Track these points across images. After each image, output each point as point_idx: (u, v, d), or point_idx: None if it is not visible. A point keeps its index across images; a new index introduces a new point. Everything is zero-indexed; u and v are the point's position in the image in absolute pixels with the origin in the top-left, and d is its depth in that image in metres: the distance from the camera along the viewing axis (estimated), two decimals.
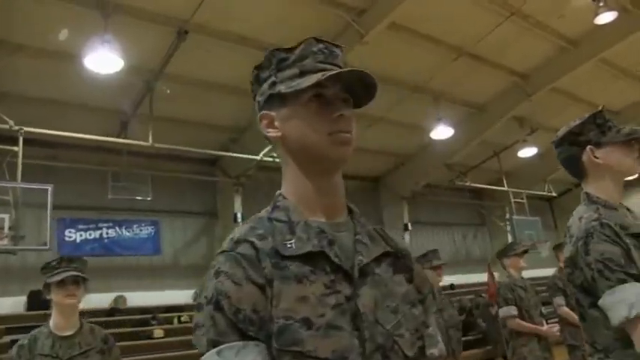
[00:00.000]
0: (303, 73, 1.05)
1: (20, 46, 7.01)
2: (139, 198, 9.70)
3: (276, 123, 1.07)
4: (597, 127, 1.89)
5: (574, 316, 4.87)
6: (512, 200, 12.88)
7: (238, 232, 1.02)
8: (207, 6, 6.99)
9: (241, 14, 7.44)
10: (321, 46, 1.08)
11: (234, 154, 9.54)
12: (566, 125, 2.01)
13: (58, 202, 8.98)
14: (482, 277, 12.83)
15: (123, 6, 6.80)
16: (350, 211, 1.13)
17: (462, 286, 12.82)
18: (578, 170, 1.94)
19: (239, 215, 10.08)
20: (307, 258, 0.97)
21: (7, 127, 7.08)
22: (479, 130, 11.16)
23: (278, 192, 1.11)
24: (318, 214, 1.06)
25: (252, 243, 0.98)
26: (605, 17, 8.37)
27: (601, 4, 8.22)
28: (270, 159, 8.98)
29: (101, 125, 8.40)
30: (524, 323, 4.75)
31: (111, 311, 8.58)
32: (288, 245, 0.98)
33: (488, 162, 12.84)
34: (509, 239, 12.57)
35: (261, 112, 1.10)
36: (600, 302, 1.61)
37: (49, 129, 7.50)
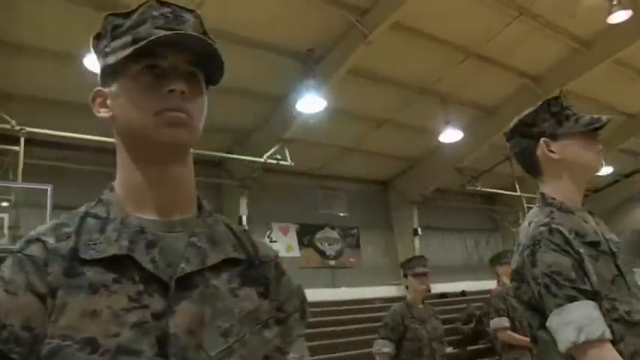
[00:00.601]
0: (135, 41, 0.87)
1: (22, 46, 7.04)
2: None
3: (108, 101, 0.93)
4: (553, 116, 1.64)
5: (521, 338, 4.37)
6: (525, 205, 12.57)
7: (38, 229, 0.87)
8: (207, 6, 6.94)
9: (242, 14, 7.38)
10: (165, 9, 0.91)
11: (238, 157, 9.47)
12: (518, 115, 1.76)
13: (62, 202, 9.07)
14: (492, 285, 12.59)
15: (123, 6, 6.77)
16: (199, 208, 0.97)
17: (473, 292, 12.56)
18: (533, 167, 1.67)
19: (244, 218, 10.00)
20: (111, 263, 0.81)
21: (8, 126, 7.11)
22: (489, 133, 10.91)
23: (110, 183, 0.96)
24: (148, 210, 0.89)
25: (44, 243, 0.82)
26: (619, 16, 8.14)
27: (614, 2, 7.99)
28: (275, 161, 8.90)
29: (104, 126, 8.37)
30: (516, 336, 4.51)
31: None
32: (92, 247, 0.82)
33: (500, 166, 12.58)
34: None
35: (95, 90, 0.95)
36: (547, 323, 1.38)
37: (52, 129, 7.50)
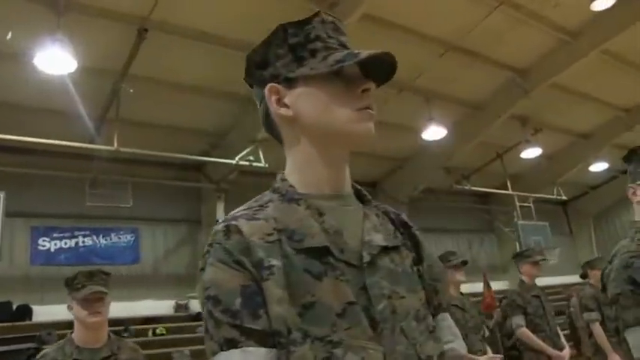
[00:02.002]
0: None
1: None
2: (119, 205, 9.45)
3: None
4: (291, 50, 1.02)
5: (534, 339, 4.58)
6: (518, 205, 12.19)
7: None
8: (165, 2, 6.66)
9: (203, 10, 7.08)
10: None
11: (209, 159, 9.18)
12: None
13: (33, 209, 8.84)
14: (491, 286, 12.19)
15: (76, 3, 6.50)
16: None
17: (466, 295, 12.14)
18: (271, 129, 1.09)
19: None
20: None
21: None
22: (476, 130, 10.55)
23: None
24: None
25: None
26: (603, 3, 7.77)
27: None
28: (247, 163, 8.58)
29: (74, 130, 8.11)
30: (532, 337, 4.63)
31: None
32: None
33: (492, 165, 12.22)
34: (517, 246, 11.90)
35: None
36: None
37: (5, 134, 7.21)
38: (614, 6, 7.98)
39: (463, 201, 13.67)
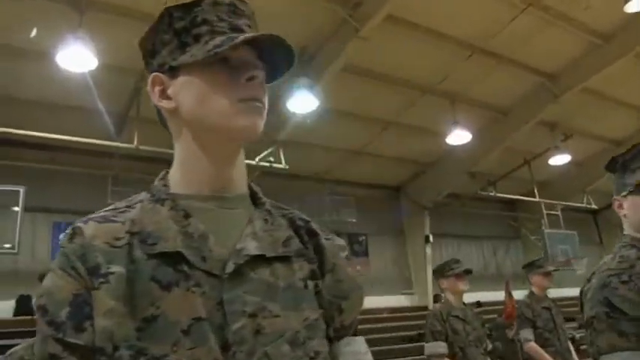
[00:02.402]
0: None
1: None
2: None
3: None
4: (176, 36, 0.91)
5: (543, 355, 4.31)
6: (545, 212, 11.86)
7: None
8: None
9: None
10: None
11: None
12: None
13: (55, 205, 8.96)
14: (515, 295, 11.91)
15: (98, 2, 6.55)
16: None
17: (489, 303, 11.88)
18: (162, 121, 1.00)
19: None
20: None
21: None
22: (502, 135, 10.29)
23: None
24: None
25: None
26: (637, 4, 7.46)
27: None
28: (268, 164, 8.53)
29: (96, 128, 8.19)
30: (540, 352, 4.33)
31: None
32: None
33: (519, 171, 11.92)
34: (543, 255, 11.60)
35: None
36: None
37: (28, 130, 7.30)
38: None
39: (489, 207, 13.37)
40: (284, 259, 0.91)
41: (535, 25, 8.22)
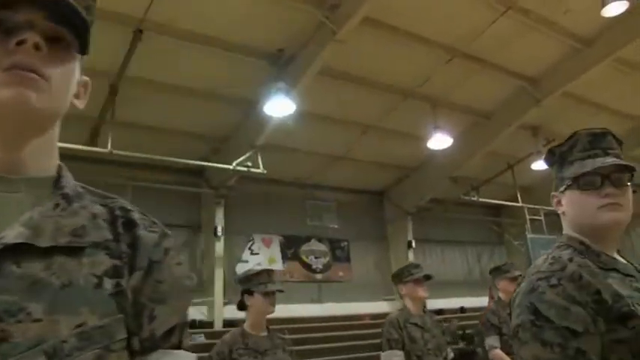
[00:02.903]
0: None
1: None
2: None
3: None
4: None
5: None
6: (528, 218, 11.82)
7: None
8: (161, 3, 6.53)
9: (203, 13, 6.94)
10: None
11: (209, 164, 9.02)
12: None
13: None
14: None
15: None
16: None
17: (473, 309, 11.81)
18: None
19: (219, 229, 9.51)
20: None
21: None
22: (484, 140, 10.25)
23: None
24: None
25: None
26: (615, 8, 7.42)
27: None
28: (245, 169, 8.40)
29: (70, 132, 8.00)
30: (504, 357, 4.22)
31: None
32: None
33: (503, 176, 11.87)
34: (527, 260, 11.53)
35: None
36: None
37: None
38: (627, 12, 7.65)
39: (473, 212, 13.32)
40: (71, 250, 0.75)
41: (515, 29, 8.18)
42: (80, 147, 7.64)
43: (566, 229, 1.52)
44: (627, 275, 1.32)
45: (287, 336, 3.38)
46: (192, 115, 8.66)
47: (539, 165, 11.23)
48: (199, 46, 7.32)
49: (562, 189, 1.51)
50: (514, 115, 9.87)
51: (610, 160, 1.38)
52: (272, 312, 3.21)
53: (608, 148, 1.44)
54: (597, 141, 1.45)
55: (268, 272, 3.32)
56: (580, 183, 1.42)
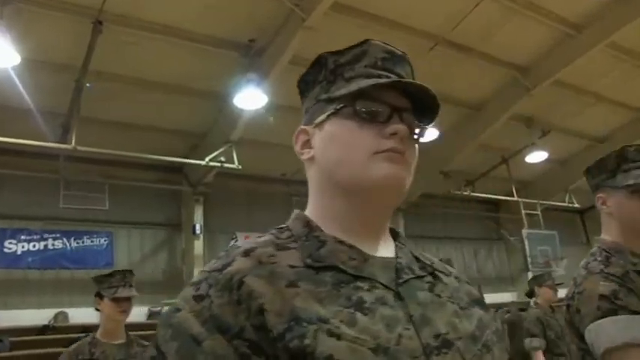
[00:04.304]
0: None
1: None
2: (95, 208, 9.15)
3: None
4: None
5: None
6: (524, 212, 11.37)
7: None
8: None
9: (163, 2, 6.65)
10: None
11: (184, 160, 8.73)
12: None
13: (2, 211, 8.56)
14: (497, 298, 11.48)
15: None
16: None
17: None
18: None
19: (198, 227, 9.23)
20: None
21: None
22: (474, 132, 9.84)
23: None
24: None
25: None
26: None
27: None
28: (219, 164, 8.10)
29: (39, 129, 7.77)
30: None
31: (42, 329, 7.90)
32: None
33: (500, 171, 11.44)
34: (523, 256, 11.14)
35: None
36: None
37: None
38: None
39: (470, 208, 12.89)
40: None
41: (500, 14, 7.78)
42: (39, 143, 7.39)
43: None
44: None
45: (148, 343, 3.00)
46: (165, 111, 8.38)
47: (535, 158, 10.81)
48: (163, 37, 7.04)
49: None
50: (505, 106, 9.44)
51: None
52: (124, 320, 2.84)
53: None
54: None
55: (125, 274, 2.93)
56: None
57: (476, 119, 9.79)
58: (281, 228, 0.90)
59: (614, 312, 1.41)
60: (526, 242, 10.71)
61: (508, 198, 11.39)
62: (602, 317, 1.41)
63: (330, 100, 0.86)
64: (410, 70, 0.93)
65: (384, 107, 0.83)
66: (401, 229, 11.36)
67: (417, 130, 0.86)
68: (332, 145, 0.85)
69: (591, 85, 9.81)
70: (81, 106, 7.48)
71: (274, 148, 9.49)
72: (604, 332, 1.39)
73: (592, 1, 7.74)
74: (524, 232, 10.90)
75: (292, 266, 0.76)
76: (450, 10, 7.50)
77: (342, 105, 0.84)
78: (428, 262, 0.89)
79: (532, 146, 10.41)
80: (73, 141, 7.27)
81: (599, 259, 1.60)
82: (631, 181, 1.61)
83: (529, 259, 10.39)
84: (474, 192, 11.02)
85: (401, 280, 0.80)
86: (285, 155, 10.04)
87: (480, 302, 0.91)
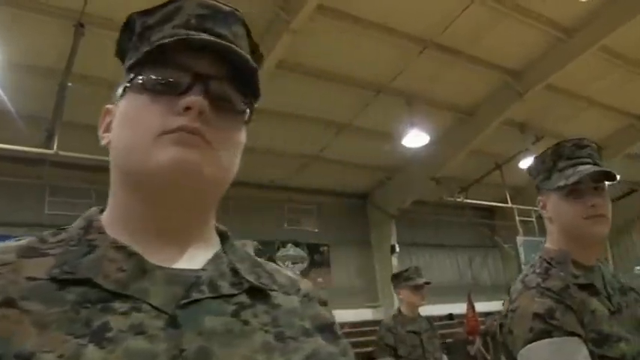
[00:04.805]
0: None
1: None
2: (82, 214, 9.02)
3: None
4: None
5: None
6: (518, 219, 11.24)
7: None
8: None
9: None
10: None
11: None
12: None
13: None
14: (492, 307, 11.32)
15: None
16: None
17: (463, 316, 11.24)
18: None
19: None
20: None
21: None
22: (466, 138, 9.72)
23: None
24: None
25: None
26: None
27: None
28: None
29: (26, 134, 7.69)
30: None
31: None
32: None
33: (494, 177, 11.32)
34: (517, 264, 10.98)
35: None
36: None
37: None
38: None
39: (464, 215, 12.75)
40: None
41: (489, 18, 7.68)
42: (21, 148, 7.29)
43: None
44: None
45: None
46: None
47: (529, 164, 10.65)
48: None
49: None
50: (497, 110, 9.32)
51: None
52: None
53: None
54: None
55: None
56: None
57: (468, 124, 9.68)
58: (63, 229, 0.76)
59: (547, 333, 1.23)
60: (521, 250, 10.56)
61: (502, 205, 11.25)
62: (535, 339, 1.24)
63: (127, 71, 0.73)
64: (242, 31, 0.77)
65: (182, 75, 0.68)
66: (393, 237, 11.28)
67: (238, 104, 0.72)
68: (122, 127, 0.71)
69: (584, 90, 9.71)
70: (65, 110, 7.39)
71: (263, 155, 9.42)
72: (536, 357, 1.23)
73: (582, 4, 7.65)
74: (519, 239, 10.76)
75: (31, 278, 0.60)
76: (438, 13, 7.41)
77: (133, 76, 0.71)
78: (253, 277, 0.72)
79: (526, 152, 10.28)
80: (55, 146, 7.16)
81: (537, 271, 1.44)
82: (562, 182, 1.46)
83: (524, 267, 10.25)
84: (467, 199, 10.88)
85: (185, 301, 0.62)
86: (273, 162, 10.00)
87: (327, 330, 0.75)
